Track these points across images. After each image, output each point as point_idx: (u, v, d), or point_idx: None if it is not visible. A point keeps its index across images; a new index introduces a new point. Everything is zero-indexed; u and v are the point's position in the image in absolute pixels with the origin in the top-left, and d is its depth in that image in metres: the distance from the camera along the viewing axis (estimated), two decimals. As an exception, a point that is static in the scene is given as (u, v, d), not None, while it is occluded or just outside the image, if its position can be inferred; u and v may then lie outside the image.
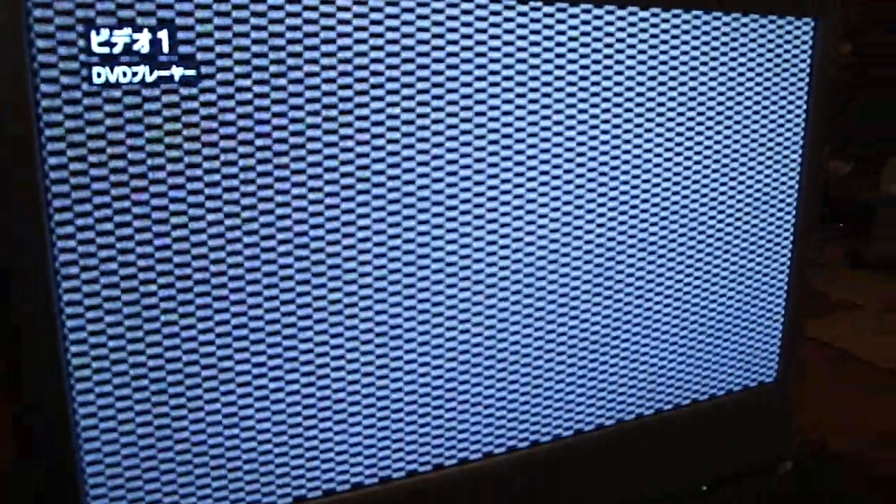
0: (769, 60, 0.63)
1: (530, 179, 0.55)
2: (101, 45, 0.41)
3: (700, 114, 0.61)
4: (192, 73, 0.44)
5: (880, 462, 0.88)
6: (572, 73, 0.55)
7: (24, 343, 0.43)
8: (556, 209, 0.56)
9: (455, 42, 0.50)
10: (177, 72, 0.43)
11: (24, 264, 0.42)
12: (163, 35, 0.43)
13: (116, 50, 0.42)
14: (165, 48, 0.43)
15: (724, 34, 0.60)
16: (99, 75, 0.42)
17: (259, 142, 0.46)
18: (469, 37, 0.51)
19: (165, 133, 0.44)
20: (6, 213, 0.41)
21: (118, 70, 0.42)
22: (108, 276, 0.44)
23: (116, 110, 0.42)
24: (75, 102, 0.41)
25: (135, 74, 0.42)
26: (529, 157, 0.55)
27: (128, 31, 0.42)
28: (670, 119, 0.60)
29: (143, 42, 0.42)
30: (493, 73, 0.52)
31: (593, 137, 0.57)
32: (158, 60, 0.43)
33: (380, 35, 0.48)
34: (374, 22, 0.48)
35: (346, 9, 0.47)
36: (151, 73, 0.43)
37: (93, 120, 0.42)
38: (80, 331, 0.44)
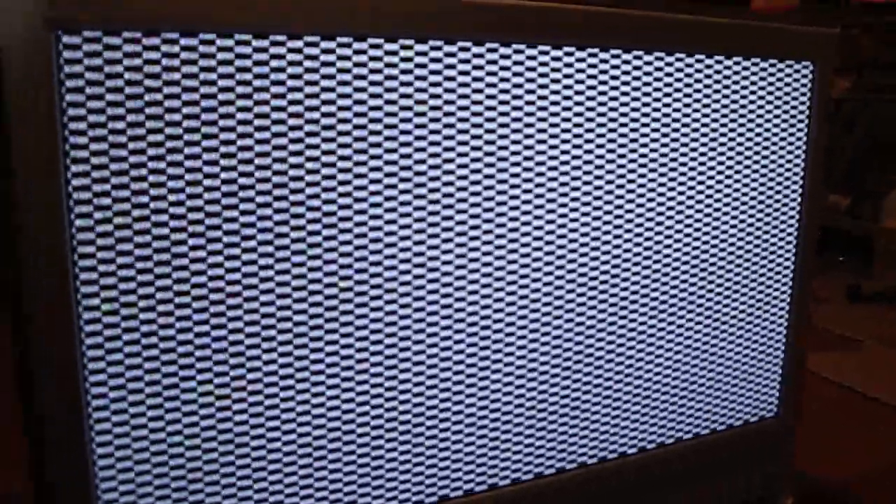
0: (769, 102, 0.65)
1: (541, 230, 0.56)
2: None
3: (703, 154, 0.63)
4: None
5: (881, 499, 0.88)
6: (579, 114, 0.56)
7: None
8: (565, 245, 0.58)
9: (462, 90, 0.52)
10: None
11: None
12: None
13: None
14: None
15: (727, 77, 0.62)
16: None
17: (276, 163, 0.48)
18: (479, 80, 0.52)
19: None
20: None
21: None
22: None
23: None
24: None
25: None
26: (536, 208, 0.56)
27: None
28: (674, 159, 0.61)
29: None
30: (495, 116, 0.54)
31: (599, 177, 0.58)
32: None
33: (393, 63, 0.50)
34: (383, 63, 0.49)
35: (346, 45, 0.48)
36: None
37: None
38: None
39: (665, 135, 0.60)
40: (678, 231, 0.63)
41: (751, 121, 0.65)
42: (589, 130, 0.57)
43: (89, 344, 0.45)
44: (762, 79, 0.64)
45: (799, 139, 0.68)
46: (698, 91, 0.61)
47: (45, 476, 0.45)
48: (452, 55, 0.51)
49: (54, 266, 0.43)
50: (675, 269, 0.64)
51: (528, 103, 0.54)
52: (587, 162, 0.58)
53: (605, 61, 0.57)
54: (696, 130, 0.62)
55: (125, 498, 0.48)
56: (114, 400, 0.46)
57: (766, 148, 0.66)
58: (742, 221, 0.66)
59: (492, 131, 0.54)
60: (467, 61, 0.52)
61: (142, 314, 0.46)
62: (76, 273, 0.44)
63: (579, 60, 0.56)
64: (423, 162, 0.52)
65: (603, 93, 0.57)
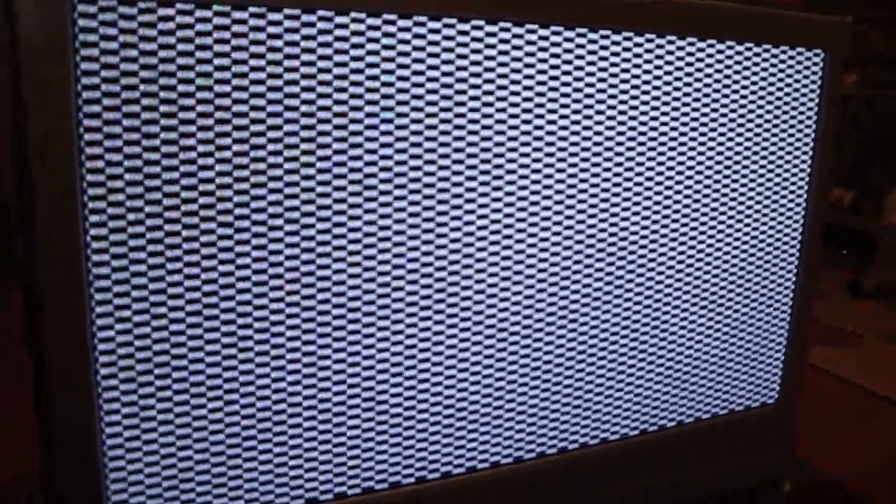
0: (780, 90, 0.65)
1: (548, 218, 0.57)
2: None
3: (712, 139, 0.63)
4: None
5: (880, 493, 0.88)
6: (589, 95, 0.56)
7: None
8: (572, 225, 0.58)
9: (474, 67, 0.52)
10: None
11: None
12: None
13: None
14: None
15: (738, 62, 0.62)
16: None
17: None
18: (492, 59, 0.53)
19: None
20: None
21: None
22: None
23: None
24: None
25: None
26: (544, 188, 0.56)
27: None
28: (683, 143, 0.61)
29: None
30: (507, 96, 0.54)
31: (608, 159, 0.58)
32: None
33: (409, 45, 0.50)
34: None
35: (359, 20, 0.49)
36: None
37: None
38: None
39: (675, 118, 0.60)
40: (685, 216, 0.63)
41: (760, 107, 0.65)
42: (599, 112, 0.57)
43: (101, 337, 0.45)
44: (773, 65, 0.64)
45: (808, 127, 0.68)
46: (709, 76, 0.61)
47: (56, 481, 0.46)
48: (465, 33, 0.51)
49: (66, 230, 0.43)
50: (681, 254, 0.64)
51: (539, 83, 0.54)
52: (596, 143, 0.58)
53: (617, 43, 0.57)
54: (705, 115, 0.62)
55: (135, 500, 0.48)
56: (125, 404, 0.47)
57: (774, 135, 0.66)
58: (749, 208, 0.67)
59: (502, 110, 0.54)
60: (479, 39, 0.52)
61: (153, 308, 0.46)
62: (86, 239, 0.44)
63: (591, 42, 0.56)
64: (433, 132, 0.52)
65: (614, 75, 0.57)
